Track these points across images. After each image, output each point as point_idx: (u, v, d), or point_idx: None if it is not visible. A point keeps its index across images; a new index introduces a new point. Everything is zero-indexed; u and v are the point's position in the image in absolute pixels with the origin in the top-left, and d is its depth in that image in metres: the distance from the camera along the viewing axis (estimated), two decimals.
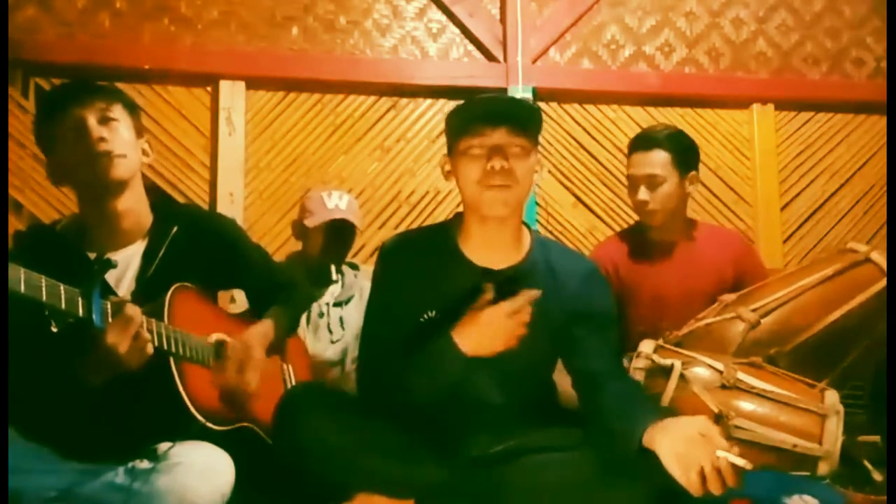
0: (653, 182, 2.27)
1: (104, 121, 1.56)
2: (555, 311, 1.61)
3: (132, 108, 1.64)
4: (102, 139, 1.54)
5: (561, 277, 1.63)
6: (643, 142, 2.33)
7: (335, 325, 2.47)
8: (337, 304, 2.49)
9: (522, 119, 1.54)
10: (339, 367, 2.47)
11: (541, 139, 1.66)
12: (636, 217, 2.43)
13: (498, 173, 1.51)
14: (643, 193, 2.28)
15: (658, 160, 2.27)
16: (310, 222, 2.47)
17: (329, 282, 2.53)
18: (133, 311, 1.41)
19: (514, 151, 1.53)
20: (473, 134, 1.53)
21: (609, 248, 2.45)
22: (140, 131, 1.64)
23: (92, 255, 1.51)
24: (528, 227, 1.69)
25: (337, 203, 2.48)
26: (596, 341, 1.62)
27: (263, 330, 1.73)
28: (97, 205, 1.59)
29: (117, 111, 1.59)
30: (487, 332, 1.49)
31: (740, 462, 1.26)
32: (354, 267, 2.63)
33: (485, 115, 1.53)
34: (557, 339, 1.63)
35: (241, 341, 1.66)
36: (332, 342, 2.45)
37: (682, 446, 1.30)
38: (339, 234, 2.50)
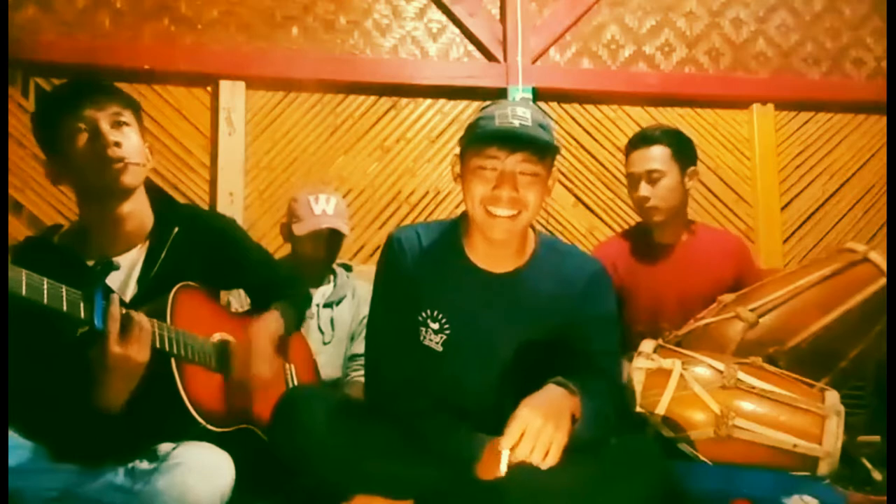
0: (653, 177, 2.27)
1: (117, 125, 1.54)
2: (557, 312, 1.61)
3: (139, 113, 1.63)
4: (117, 144, 1.52)
5: (565, 279, 1.62)
6: (641, 139, 2.33)
7: (326, 325, 2.45)
8: (327, 305, 2.47)
9: (541, 148, 1.49)
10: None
11: None
12: (636, 217, 2.42)
13: (504, 201, 1.49)
14: (644, 189, 2.27)
15: (658, 155, 2.28)
16: (297, 229, 2.44)
17: (320, 284, 2.51)
18: (144, 322, 1.41)
19: (525, 180, 1.49)
20: (488, 154, 1.49)
21: (609, 248, 2.46)
22: (143, 135, 1.63)
23: (91, 263, 1.50)
24: (533, 227, 1.68)
25: (324, 208, 2.44)
26: (594, 345, 1.61)
27: (270, 321, 1.73)
28: (101, 208, 1.57)
29: (128, 115, 1.57)
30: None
31: None
32: (348, 268, 2.62)
33: (503, 138, 1.48)
34: (558, 341, 1.63)
35: (244, 339, 1.66)
36: (324, 343, 2.43)
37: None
38: (328, 238, 2.47)
